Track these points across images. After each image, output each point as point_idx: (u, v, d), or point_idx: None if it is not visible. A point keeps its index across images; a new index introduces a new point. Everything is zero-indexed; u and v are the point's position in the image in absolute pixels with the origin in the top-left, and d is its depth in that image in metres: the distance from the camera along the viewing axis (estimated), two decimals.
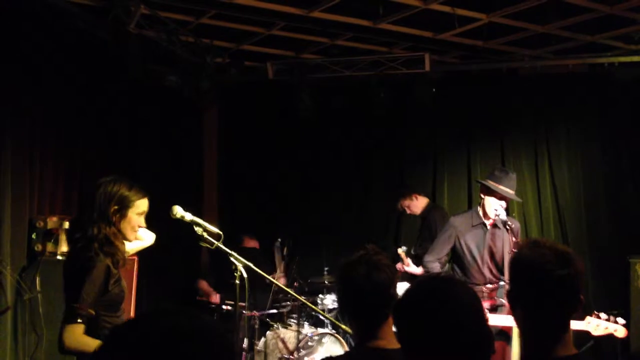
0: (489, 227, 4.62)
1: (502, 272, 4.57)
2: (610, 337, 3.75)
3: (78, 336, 2.68)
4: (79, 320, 2.68)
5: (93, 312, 2.73)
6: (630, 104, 6.51)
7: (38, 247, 5.11)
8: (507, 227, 4.34)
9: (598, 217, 6.72)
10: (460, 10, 5.39)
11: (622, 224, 6.57)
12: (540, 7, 5.27)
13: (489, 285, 4.58)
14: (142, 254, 5.47)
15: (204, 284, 6.40)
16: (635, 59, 6.26)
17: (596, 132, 6.82)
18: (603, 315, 3.71)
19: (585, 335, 3.75)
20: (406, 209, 6.41)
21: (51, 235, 5.13)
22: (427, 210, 6.34)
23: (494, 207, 4.50)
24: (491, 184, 4.56)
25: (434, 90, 6.77)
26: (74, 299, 2.70)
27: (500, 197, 4.52)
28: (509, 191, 4.54)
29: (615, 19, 5.48)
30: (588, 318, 3.71)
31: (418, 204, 6.35)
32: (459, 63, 6.96)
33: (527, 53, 6.55)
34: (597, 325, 3.67)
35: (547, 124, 6.99)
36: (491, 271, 4.61)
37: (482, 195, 4.65)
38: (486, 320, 1.75)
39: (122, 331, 1.08)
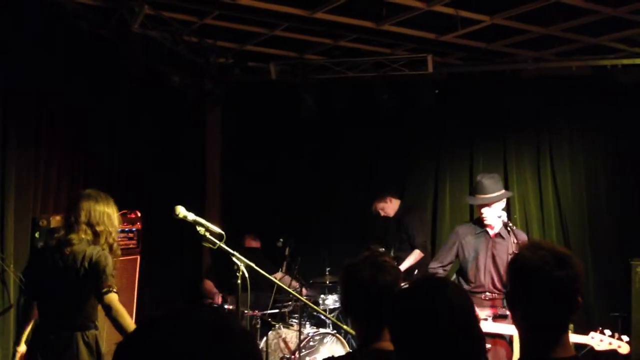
0: (491, 235, 4.63)
1: (504, 284, 4.56)
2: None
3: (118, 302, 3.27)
4: (114, 290, 3.26)
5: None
6: (633, 106, 6.50)
7: (41, 246, 5.13)
8: (509, 229, 4.34)
9: (600, 220, 6.72)
10: (463, 12, 5.39)
11: (624, 227, 6.56)
12: (543, 8, 5.27)
13: (488, 294, 4.56)
14: (145, 253, 5.52)
15: (209, 284, 6.39)
16: (638, 61, 6.26)
17: (599, 134, 6.82)
18: (607, 331, 3.73)
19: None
20: (380, 211, 6.57)
21: (54, 234, 5.14)
22: (400, 212, 6.48)
23: (495, 215, 4.53)
24: (479, 197, 4.59)
25: (436, 91, 6.78)
26: (106, 279, 3.27)
27: (491, 203, 4.56)
28: (495, 194, 4.54)
29: (619, 21, 5.47)
30: (592, 333, 3.73)
31: (392, 206, 6.54)
32: (461, 65, 6.96)
33: (530, 55, 6.55)
34: (600, 340, 3.70)
35: (550, 126, 6.99)
36: (493, 281, 4.59)
37: (480, 211, 4.66)
38: (477, 321, 1.77)
39: (160, 321, 1.07)
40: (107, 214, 3.42)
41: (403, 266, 6.08)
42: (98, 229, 3.36)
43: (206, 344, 1.02)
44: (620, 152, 6.71)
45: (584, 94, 6.78)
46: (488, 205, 4.55)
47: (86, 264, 3.28)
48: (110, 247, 3.41)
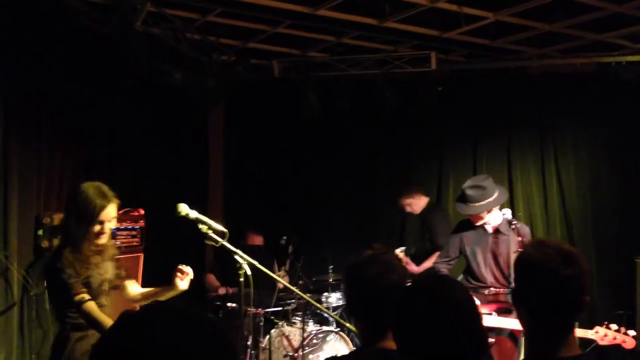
0: (490, 231, 4.62)
1: (507, 279, 4.55)
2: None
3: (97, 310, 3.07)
4: (87, 298, 3.03)
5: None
6: (638, 103, 6.47)
7: (44, 244, 5.13)
8: (513, 227, 4.33)
9: (604, 218, 6.69)
10: (467, 9, 5.37)
11: (629, 224, 6.54)
12: (547, 5, 5.25)
13: (492, 289, 4.56)
14: (148, 251, 5.53)
15: (211, 278, 6.34)
16: None
17: (603, 131, 6.79)
18: (614, 326, 3.69)
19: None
20: (407, 207, 6.39)
21: (57, 232, 5.15)
22: (427, 210, 6.34)
23: (497, 217, 4.52)
24: (465, 207, 4.56)
25: (440, 89, 6.75)
26: (70, 286, 3.04)
27: (477, 216, 4.56)
28: (480, 204, 4.51)
29: (624, 17, 5.45)
30: (597, 328, 3.69)
31: (419, 203, 6.34)
32: (465, 62, 6.94)
33: (534, 52, 6.52)
34: (605, 335, 3.65)
35: (554, 123, 6.96)
36: (494, 275, 4.59)
37: (482, 216, 4.63)
38: (480, 318, 1.76)
39: (126, 323, 1.08)
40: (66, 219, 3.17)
41: (422, 266, 6.00)
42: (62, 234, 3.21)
43: (181, 336, 1.03)
44: (625, 150, 6.68)
45: (588, 91, 6.75)
46: (473, 217, 4.56)
47: (45, 272, 3.21)
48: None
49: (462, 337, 1.68)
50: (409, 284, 2.10)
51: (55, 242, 5.14)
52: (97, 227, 3.09)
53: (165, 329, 1.04)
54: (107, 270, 3.23)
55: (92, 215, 3.07)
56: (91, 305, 3.04)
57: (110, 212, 3.12)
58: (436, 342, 1.68)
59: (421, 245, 6.32)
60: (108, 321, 3.02)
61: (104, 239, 3.15)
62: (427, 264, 6.03)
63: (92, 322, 3.04)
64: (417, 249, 6.29)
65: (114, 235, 3.43)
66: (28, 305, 5.00)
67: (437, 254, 6.06)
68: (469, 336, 1.69)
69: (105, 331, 1.12)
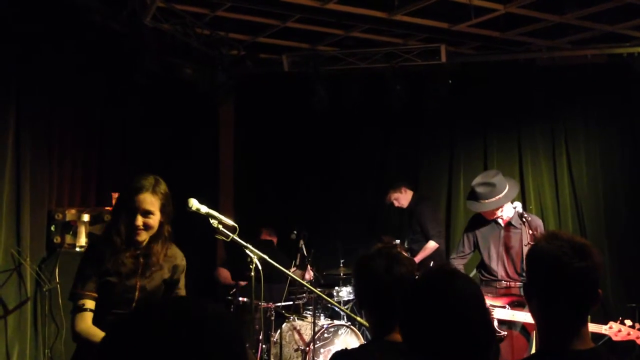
0: (502, 224, 4.61)
1: (518, 273, 4.55)
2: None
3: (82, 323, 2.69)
4: (84, 306, 2.68)
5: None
6: None
7: (57, 239, 5.18)
8: (524, 220, 4.31)
9: (616, 209, 6.65)
10: (477, 1, 5.34)
11: None
12: None
13: (503, 283, 4.56)
14: None
15: (224, 272, 6.33)
16: None
17: (615, 123, 6.74)
18: (628, 321, 3.66)
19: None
20: (394, 201, 6.57)
21: (70, 227, 5.19)
22: (414, 202, 6.49)
23: (508, 210, 4.51)
24: (474, 204, 4.55)
25: (450, 82, 6.72)
26: (73, 287, 2.76)
27: (487, 212, 4.55)
28: (489, 201, 4.49)
29: (635, 8, 5.40)
30: (611, 323, 3.67)
31: (406, 196, 6.53)
32: (475, 54, 6.90)
33: (544, 44, 6.47)
34: (619, 330, 3.63)
35: (565, 115, 6.92)
36: (505, 269, 4.58)
37: (495, 212, 4.61)
38: (488, 312, 1.76)
39: (128, 319, 1.07)
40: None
41: (417, 258, 6.05)
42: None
43: (183, 332, 1.02)
44: (637, 141, 6.62)
45: (600, 83, 6.70)
46: (486, 213, 4.55)
47: None
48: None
49: (468, 330, 1.69)
50: (417, 277, 2.11)
51: (68, 237, 5.19)
52: (128, 218, 2.69)
53: (164, 327, 1.03)
54: (150, 278, 2.86)
55: (123, 203, 2.72)
56: (83, 317, 2.66)
57: (143, 202, 2.70)
58: (442, 334, 1.68)
59: (413, 238, 6.40)
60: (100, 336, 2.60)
61: (140, 237, 2.74)
62: (421, 255, 6.09)
63: (75, 335, 2.66)
64: (409, 241, 6.38)
65: None
66: (41, 300, 5.05)
67: (431, 244, 6.14)
68: (475, 329, 1.70)
69: (107, 332, 1.11)
